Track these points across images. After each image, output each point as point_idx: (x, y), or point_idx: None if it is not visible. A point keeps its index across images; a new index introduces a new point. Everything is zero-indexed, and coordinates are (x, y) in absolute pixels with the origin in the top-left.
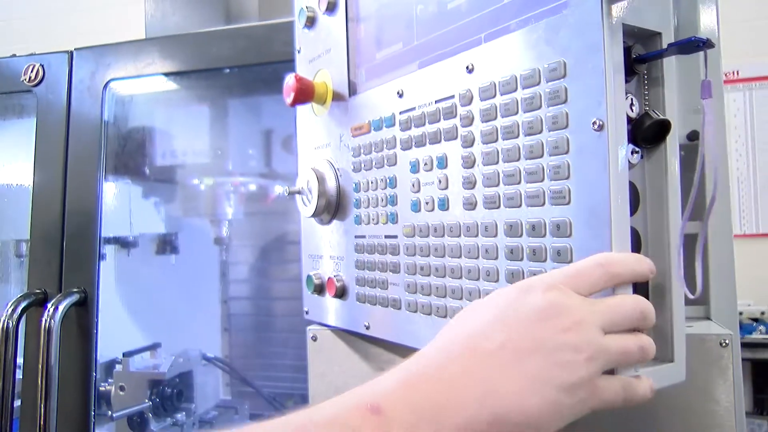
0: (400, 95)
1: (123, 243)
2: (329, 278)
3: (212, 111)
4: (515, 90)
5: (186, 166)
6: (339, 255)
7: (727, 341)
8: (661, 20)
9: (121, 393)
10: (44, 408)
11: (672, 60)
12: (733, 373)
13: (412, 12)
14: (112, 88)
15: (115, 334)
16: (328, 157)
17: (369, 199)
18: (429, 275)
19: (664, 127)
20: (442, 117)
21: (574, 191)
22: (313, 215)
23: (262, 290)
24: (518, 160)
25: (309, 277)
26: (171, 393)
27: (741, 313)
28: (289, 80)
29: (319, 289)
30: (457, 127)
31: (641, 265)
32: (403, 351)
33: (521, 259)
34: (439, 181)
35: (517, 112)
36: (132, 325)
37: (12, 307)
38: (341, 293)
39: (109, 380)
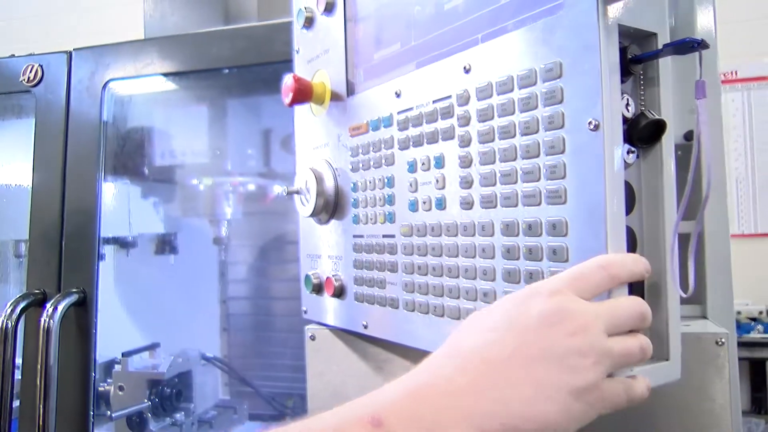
0: (398, 95)
1: (122, 243)
2: (327, 278)
3: (211, 111)
4: (512, 90)
5: (185, 166)
6: (337, 254)
7: (723, 340)
8: (656, 21)
9: (120, 393)
10: (43, 408)
11: (668, 60)
12: (729, 371)
13: (409, 13)
14: (111, 88)
15: (114, 334)
16: (326, 157)
17: (367, 198)
18: (426, 274)
19: (659, 127)
20: (439, 117)
21: (570, 191)
22: (312, 215)
23: (260, 290)
24: (515, 159)
25: (307, 277)
26: (170, 393)
27: (739, 313)
28: (288, 80)
29: (318, 289)
30: (454, 127)
31: (638, 265)
32: (402, 350)
33: (518, 259)
34: (437, 181)
35: (513, 112)
36: (131, 325)
37: (11, 308)
38: (339, 293)
39: (108, 380)
